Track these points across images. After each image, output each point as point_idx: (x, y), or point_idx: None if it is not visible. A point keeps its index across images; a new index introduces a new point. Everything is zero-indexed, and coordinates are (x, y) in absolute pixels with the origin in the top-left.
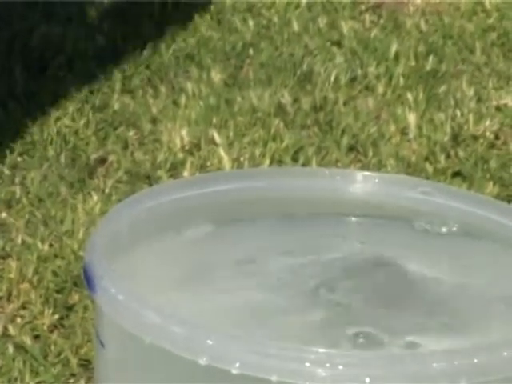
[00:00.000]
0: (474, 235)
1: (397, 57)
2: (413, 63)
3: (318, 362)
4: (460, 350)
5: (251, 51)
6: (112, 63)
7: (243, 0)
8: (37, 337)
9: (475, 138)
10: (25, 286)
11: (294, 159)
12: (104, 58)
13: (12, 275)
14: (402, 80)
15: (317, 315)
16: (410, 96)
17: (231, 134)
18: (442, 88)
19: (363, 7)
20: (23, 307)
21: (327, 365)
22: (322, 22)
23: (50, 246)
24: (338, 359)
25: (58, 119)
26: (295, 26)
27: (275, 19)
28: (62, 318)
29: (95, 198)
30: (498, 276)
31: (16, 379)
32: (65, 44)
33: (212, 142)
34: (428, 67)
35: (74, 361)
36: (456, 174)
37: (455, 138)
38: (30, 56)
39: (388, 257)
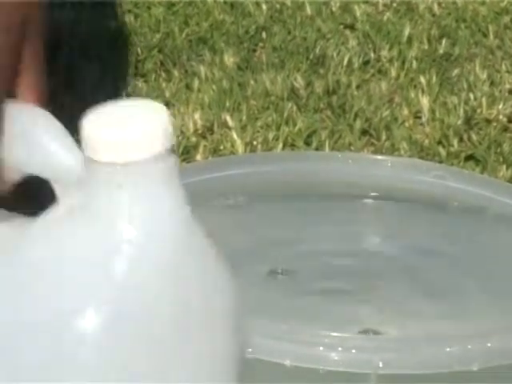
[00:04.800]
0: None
1: (410, 40)
2: (426, 46)
3: (332, 346)
4: (473, 335)
5: (264, 35)
6: (125, 47)
7: None
8: None
9: (488, 121)
10: None
11: (307, 143)
12: (116, 41)
13: None
14: (414, 63)
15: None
16: (423, 79)
17: (244, 117)
18: (455, 71)
19: None
20: None
21: (340, 349)
22: (335, 5)
23: None
24: (351, 343)
25: (70, 103)
26: (308, 10)
27: (288, 3)
28: None
29: None
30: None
31: None
32: (77, 28)
33: (225, 125)
34: (441, 50)
35: None
36: (469, 158)
37: (468, 122)
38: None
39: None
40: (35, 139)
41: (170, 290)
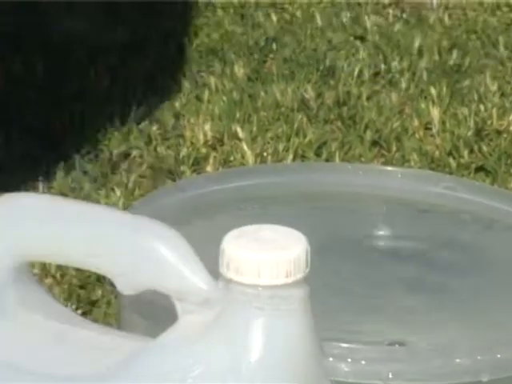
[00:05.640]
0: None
1: (420, 51)
2: (436, 58)
3: (341, 357)
4: (483, 346)
5: (274, 46)
6: (135, 58)
7: None
8: None
9: (499, 132)
10: (48, 281)
11: (317, 154)
12: (127, 52)
13: (36, 271)
14: (425, 75)
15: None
16: (433, 91)
17: (254, 128)
18: (466, 83)
19: (386, 1)
20: None
21: (349, 360)
22: (346, 16)
23: None
24: (360, 354)
25: (80, 114)
26: (318, 21)
27: (298, 14)
28: (85, 313)
29: (118, 193)
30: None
31: None
32: (87, 38)
33: (235, 136)
34: (451, 62)
35: None
36: (479, 169)
37: (479, 133)
38: (52, 50)
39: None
40: (163, 258)
41: None
